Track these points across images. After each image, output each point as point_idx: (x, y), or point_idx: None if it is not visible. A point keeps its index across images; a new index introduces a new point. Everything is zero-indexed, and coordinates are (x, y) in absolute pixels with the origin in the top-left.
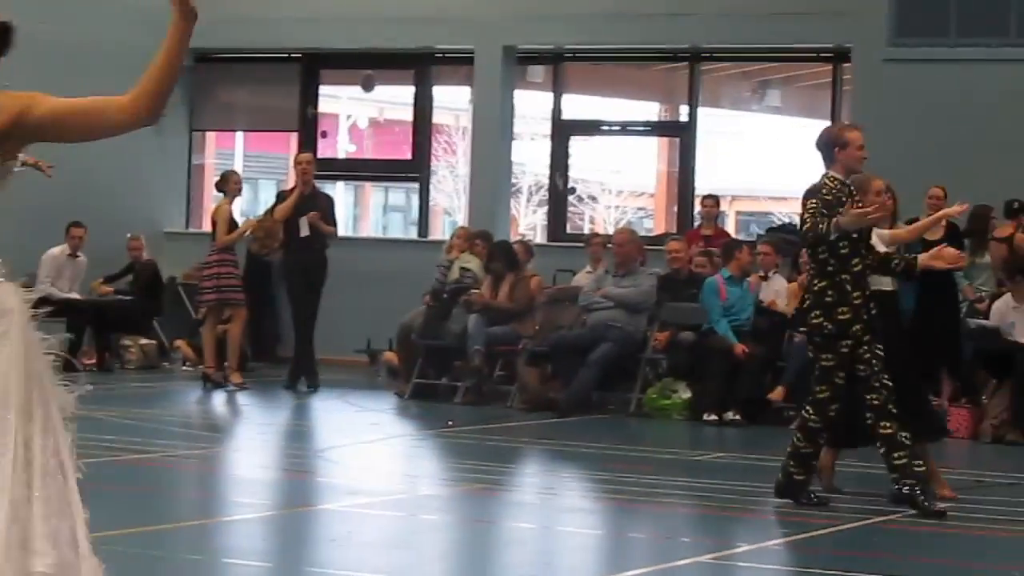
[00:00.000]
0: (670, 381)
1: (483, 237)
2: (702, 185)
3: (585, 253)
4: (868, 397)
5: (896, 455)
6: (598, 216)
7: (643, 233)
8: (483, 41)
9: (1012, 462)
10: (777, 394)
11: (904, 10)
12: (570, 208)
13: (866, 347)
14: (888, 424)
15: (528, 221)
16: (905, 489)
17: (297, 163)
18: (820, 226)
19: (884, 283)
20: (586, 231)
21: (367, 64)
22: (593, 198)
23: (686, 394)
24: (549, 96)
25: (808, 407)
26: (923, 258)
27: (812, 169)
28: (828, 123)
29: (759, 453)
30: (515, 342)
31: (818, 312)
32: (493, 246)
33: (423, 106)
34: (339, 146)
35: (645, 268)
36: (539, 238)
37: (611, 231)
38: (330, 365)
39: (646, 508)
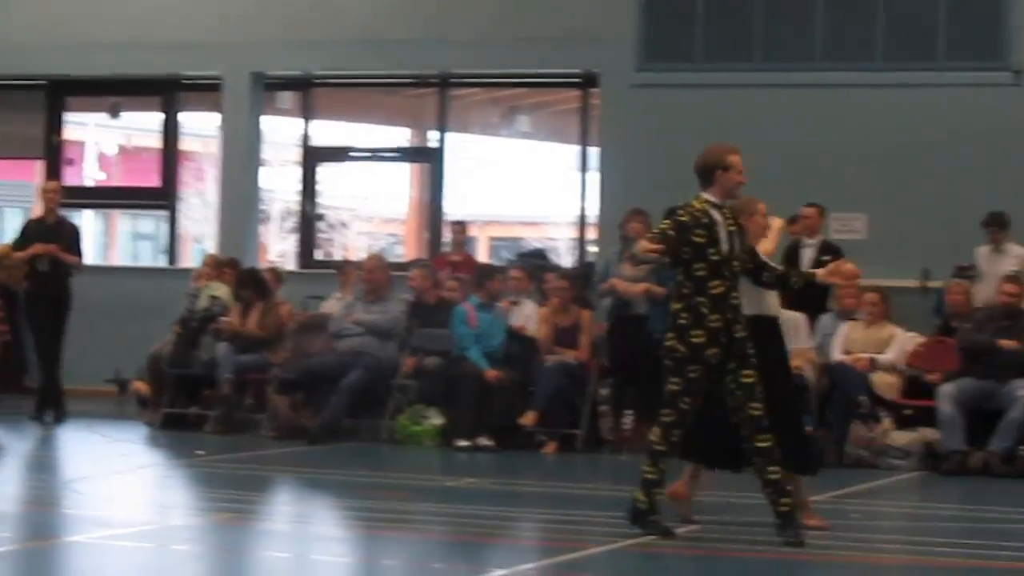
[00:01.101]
0: (421, 408)
1: (232, 264)
2: (453, 211)
3: (336, 280)
4: (739, 421)
5: (772, 469)
6: (349, 242)
7: (394, 259)
8: (231, 67)
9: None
10: (529, 419)
11: (651, 36)
12: (321, 235)
13: (730, 375)
14: (764, 438)
15: (278, 248)
16: (783, 509)
17: (44, 191)
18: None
19: (766, 307)
20: (338, 257)
21: (114, 91)
22: (344, 224)
23: (438, 420)
24: (298, 122)
25: (654, 430)
26: (821, 274)
27: (563, 194)
28: (578, 148)
29: (511, 478)
30: (265, 370)
31: (672, 335)
32: (242, 273)
33: (171, 133)
34: (86, 173)
35: (395, 294)
36: (290, 265)
37: (363, 257)
38: (79, 395)
39: (399, 535)
